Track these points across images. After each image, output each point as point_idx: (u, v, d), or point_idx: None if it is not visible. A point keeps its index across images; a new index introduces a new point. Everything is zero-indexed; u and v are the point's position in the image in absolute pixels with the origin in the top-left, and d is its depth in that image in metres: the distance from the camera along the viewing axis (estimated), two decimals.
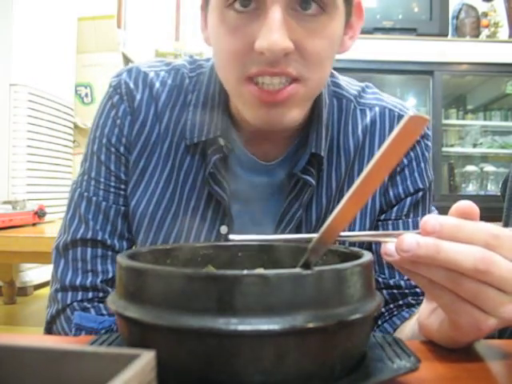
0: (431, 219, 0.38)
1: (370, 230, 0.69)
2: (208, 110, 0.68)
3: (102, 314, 0.66)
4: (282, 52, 0.53)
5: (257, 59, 0.55)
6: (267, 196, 0.68)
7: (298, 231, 0.67)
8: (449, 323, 0.42)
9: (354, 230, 0.68)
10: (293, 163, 0.67)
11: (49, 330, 0.69)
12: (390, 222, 0.70)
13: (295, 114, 0.59)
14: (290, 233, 0.65)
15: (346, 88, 0.72)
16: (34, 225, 1.94)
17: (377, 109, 0.71)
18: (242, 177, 0.67)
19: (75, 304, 0.67)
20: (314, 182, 0.65)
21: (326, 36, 0.57)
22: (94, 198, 0.69)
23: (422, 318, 0.46)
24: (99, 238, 0.68)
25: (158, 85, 0.70)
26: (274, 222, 0.66)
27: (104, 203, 0.68)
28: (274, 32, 0.52)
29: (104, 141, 0.69)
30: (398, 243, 0.37)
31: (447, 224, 0.38)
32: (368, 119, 0.71)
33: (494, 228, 0.39)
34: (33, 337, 0.65)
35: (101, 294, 0.67)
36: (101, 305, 0.67)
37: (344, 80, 0.75)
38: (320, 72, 0.59)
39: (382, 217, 0.70)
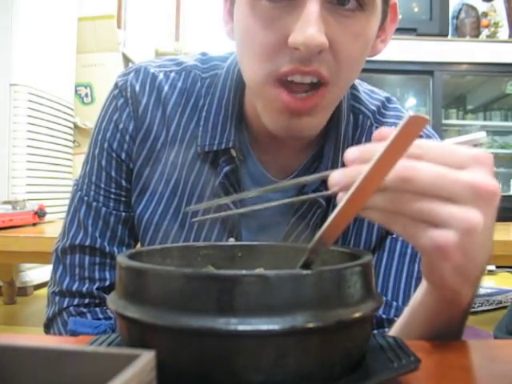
0: (350, 150, 0.37)
1: (376, 243, 0.66)
2: (222, 117, 0.64)
3: (99, 318, 0.66)
4: (318, 48, 0.50)
5: (289, 56, 0.51)
6: (275, 212, 0.64)
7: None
8: (420, 255, 0.41)
9: (359, 241, 0.66)
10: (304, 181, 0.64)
11: (46, 330, 0.69)
12: (389, 237, 0.66)
13: (316, 123, 0.57)
14: None
15: (364, 102, 0.69)
16: (34, 225, 1.94)
17: (393, 128, 0.68)
18: (250, 190, 0.65)
19: (71, 308, 0.67)
20: (324, 202, 0.63)
21: (361, 36, 0.53)
22: (94, 204, 0.67)
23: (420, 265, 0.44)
24: (98, 245, 0.67)
25: (166, 88, 0.66)
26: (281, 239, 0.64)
27: (104, 209, 0.67)
28: (310, 26, 0.49)
29: (105, 145, 0.67)
30: (330, 179, 0.37)
31: (365, 149, 0.37)
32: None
33: (417, 140, 0.37)
34: (33, 337, 0.65)
35: (97, 301, 0.67)
36: (97, 309, 0.67)
37: (365, 92, 0.70)
38: (349, 75, 0.56)
39: (385, 233, 0.66)
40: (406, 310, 0.53)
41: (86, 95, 3.16)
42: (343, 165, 0.64)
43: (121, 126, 0.66)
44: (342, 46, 0.52)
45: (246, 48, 0.56)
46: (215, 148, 0.64)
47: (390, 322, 0.62)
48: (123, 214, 0.68)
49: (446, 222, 0.36)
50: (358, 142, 0.67)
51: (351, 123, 0.67)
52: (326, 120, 0.59)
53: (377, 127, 0.67)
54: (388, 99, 0.71)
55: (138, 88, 0.66)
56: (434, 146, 0.37)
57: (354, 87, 0.69)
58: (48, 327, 0.69)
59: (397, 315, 0.62)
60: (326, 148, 0.64)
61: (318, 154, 0.65)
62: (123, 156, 0.67)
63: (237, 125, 0.64)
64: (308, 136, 0.59)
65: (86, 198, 0.68)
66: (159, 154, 0.66)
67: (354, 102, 0.68)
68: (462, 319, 0.48)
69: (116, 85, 0.68)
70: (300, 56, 0.51)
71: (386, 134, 0.37)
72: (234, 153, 0.63)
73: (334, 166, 0.63)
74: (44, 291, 0.83)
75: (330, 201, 0.64)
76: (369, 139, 0.67)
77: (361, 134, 0.67)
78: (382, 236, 0.67)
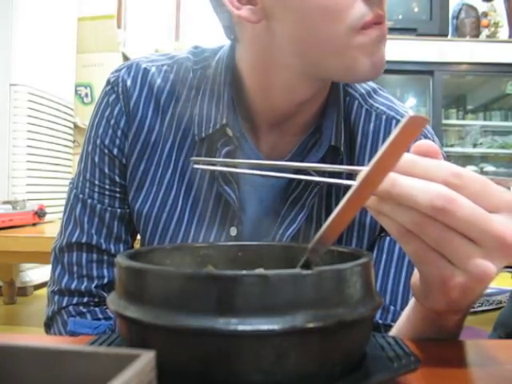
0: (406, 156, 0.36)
1: (368, 245, 0.66)
2: (215, 101, 0.65)
3: (98, 319, 0.66)
4: None
5: (367, 5, 0.54)
6: (273, 196, 0.65)
7: (305, 233, 0.63)
8: (419, 277, 0.40)
9: (351, 243, 0.65)
10: (301, 160, 0.63)
11: (47, 330, 0.69)
12: (387, 238, 0.65)
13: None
14: (293, 235, 0.63)
15: (354, 86, 0.69)
16: (34, 225, 1.94)
17: (383, 117, 0.67)
18: (248, 177, 0.65)
19: (71, 308, 0.67)
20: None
21: None
22: (89, 201, 0.67)
23: (412, 277, 0.44)
24: (94, 242, 0.67)
25: (159, 81, 0.67)
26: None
27: (99, 206, 0.67)
28: None
29: (98, 142, 0.67)
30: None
31: (403, 159, 0.36)
32: (371, 126, 0.67)
33: (456, 167, 0.36)
34: (33, 337, 0.65)
35: (96, 299, 0.67)
36: (96, 309, 0.67)
37: None
38: None
39: (383, 233, 0.66)
40: (397, 323, 0.53)
41: (86, 95, 3.17)
42: (346, 147, 0.65)
43: (112, 121, 0.67)
44: None
45: (319, 9, 0.55)
46: (211, 131, 0.63)
47: (387, 328, 0.62)
48: (118, 210, 0.68)
49: (461, 262, 0.36)
50: (346, 123, 0.67)
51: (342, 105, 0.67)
52: None
53: (367, 110, 0.68)
54: (379, 88, 0.72)
55: (129, 83, 0.67)
56: (474, 180, 0.36)
57: None
58: (48, 327, 0.69)
59: (394, 320, 0.62)
60: (324, 125, 0.64)
61: (314, 133, 0.65)
62: (115, 152, 0.67)
63: (229, 105, 0.64)
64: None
65: (81, 196, 0.68)
66: (154, 146, 0.66)
67: (345, 85, 0.69)
68: (452, 334, 0.48)
69: (108, 81, 0.69)
70: (377, 1, 0.54)
71: (429, 149, 0.37)
72: (229, 132, 0.63)
73: (338, 142, 0.63)
74: (44, 291, 0.83)
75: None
76: (358, 121, 0.67)
77: (348, 114, 0.67)
78: (374, 238, 0.66)
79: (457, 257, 0.36)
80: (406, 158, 0.36)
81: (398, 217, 0.37)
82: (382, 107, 0.68)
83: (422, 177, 0.36)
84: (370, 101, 0.69)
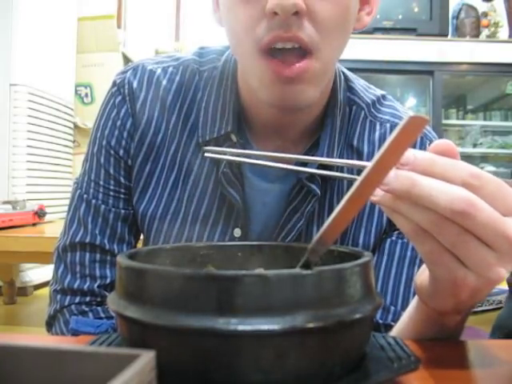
0: (407, 152, 0.36)
1: (373, 247, 0.66)
2: (220, 105, 0.65)
3: (100, 318, 0.66)
4: (293, 8, 0.50)
5: (269, 25, 0.52)
6: (275, 202, 0.65)
7: (298, 242, 0.64)
8: (429, 277, 0.40)
9: (357, 244, 0.65)
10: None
11: (48, 329, 0.69)
12: (388, 239, 0.66)
13: (310, 93, 0.56)
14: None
15: (359, 94, 0.69)
16: (34, 225, 1.93)
17: (388, 125, 0.67)
18: (252, 181, 0.65)
19: (73, 306, 0.66)
20: (318, 191, 0.63)
21: (338, 2, 0.54)
22: (94, 201, 0.68)
23: (417, 277, 0.44)
24: (97, 242, 0.67)
25: (165, 82, 0.67)
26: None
27: (103, 206, 0.67)
28: None
29: (104, 143, 0.67)
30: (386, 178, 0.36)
31: (423, 157, 0.36)
32: (377, 135, 0.67)
33: (474, 167, 0.36)
34: (33, 337, 0.65)
35: (98, 299, 0.67)
36: (99, 308, 0.67)
37: (361, 85, 0.71)
38: (332, 42, 0.55)
39: (384, 236, 0.66)
40: (398, 323, 0.53)
41: (86, 95, 3.16)
42: (348, 157, 0.65)
43: (118, 123, 0.67)
44: (320, 12, 0.53)
45: (231, 27, 0.58)
46: (215, 135, 0.64)
47: (388, 328, 0.62)
48: (122, 211, 0.68)
49: (475, 265, 0.36)
50: (352, 134, 0.67)
51: (347, 114, 0.67)
52: (319, 90, 0.59)
53: (371, 121, 0.68)
54: (384, 96, 0.71)
55: (135, 85, 0.67)
56: (491, 181, 0.36)
57: (350, 80, 0.70)
58: (50, 325, 0.69)
59: (394, 320, 0.62)
60: (321, 137, 0.64)
61: (314, 144, 0.65)
62: (121, 153, 0.67)
63: (235, 111, 0.64)
64: (304, 106, 0.58)
65: (85, 196, 0.68)
66: (159, 148, 0.66)
67: (349, 93, 0.69)
68: (454, 334, 0.48)
69: (114, 83, 0.69)
70: (279, 22, 0.52)
71: (447, 148, 0.37)
72: (234, 138, 0.63)
73: (330, 157, 0.63)
74: (44, 291, 0.83)
75: (326, 190, 0.65)
76: (363, 131, 0.67)
77: (354, 124, 0.67)
78: (380, 238, 0.66)
79: (471, 260, 0.36)
80: (425, 156, 0.36)
81: (415, 216, 0.36)
82: (385, 117, 0.68)
83: (440, 176, 0.36)
84: (374, 112, 0.69)
